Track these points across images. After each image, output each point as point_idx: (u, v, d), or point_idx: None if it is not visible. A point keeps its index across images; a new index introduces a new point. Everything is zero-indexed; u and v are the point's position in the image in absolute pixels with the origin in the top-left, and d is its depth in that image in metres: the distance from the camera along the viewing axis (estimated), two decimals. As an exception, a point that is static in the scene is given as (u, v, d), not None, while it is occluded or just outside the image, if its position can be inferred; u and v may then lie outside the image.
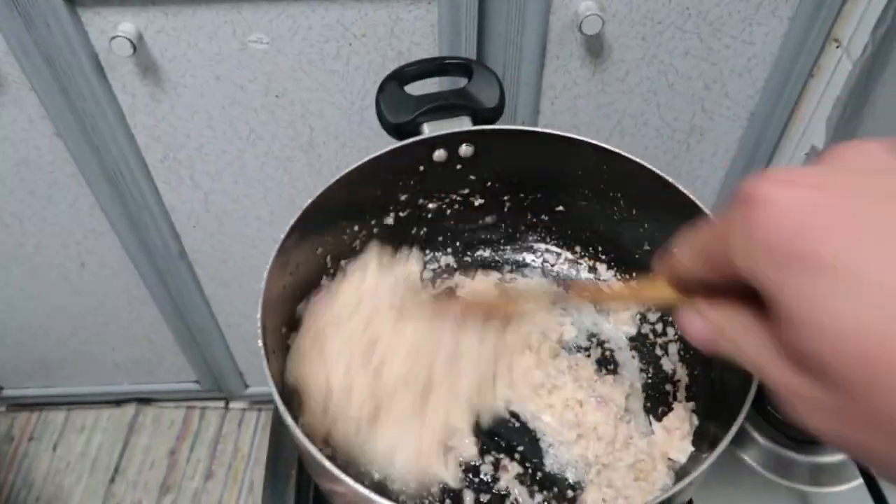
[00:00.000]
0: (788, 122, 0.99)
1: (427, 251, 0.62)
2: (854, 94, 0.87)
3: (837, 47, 0.89)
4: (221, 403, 1.59)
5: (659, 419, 0.52)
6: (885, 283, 0.20)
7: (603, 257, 0.61)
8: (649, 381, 0.56)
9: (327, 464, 0.38)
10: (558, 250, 0.63)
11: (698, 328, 0.30)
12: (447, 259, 0.63)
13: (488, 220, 0.62)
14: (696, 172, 1.07)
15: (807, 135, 0.98)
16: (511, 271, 0.63)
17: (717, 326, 0.29)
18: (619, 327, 0.59)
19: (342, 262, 0.57)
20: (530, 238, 0.63)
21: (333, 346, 0.53)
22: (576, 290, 0.45)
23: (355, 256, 0.58)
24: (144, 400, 1.57)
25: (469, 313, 0.49)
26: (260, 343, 0.43)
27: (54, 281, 1.18)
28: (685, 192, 0.49)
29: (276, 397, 0.40)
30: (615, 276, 0.61)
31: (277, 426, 0.59)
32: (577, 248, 0.62)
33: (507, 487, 0.50)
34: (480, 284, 0.61)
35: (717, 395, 0.49)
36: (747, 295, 0.26)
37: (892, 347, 0.20)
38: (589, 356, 0.57)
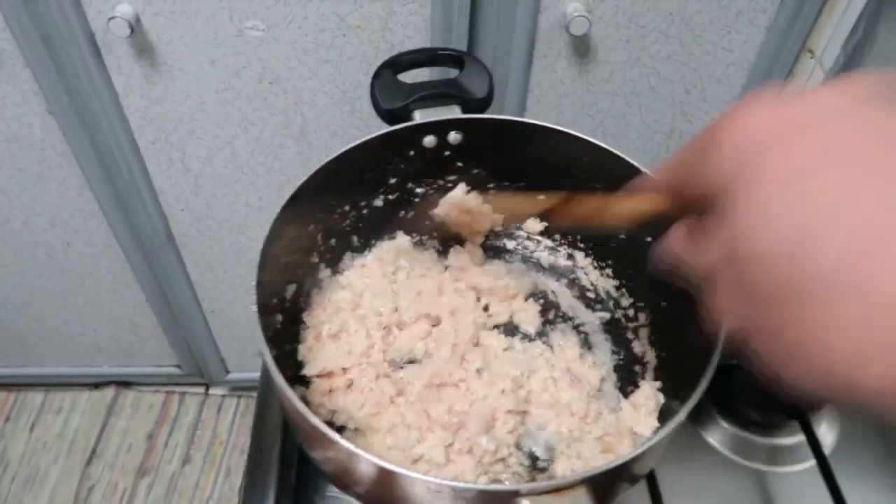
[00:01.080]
0: (764, 129, 1.02)
1: (413, 234, 0.65)
2: (826, 103, 0.91)
3: (811, 58, 0.93)
4: (201, 389, 1.60)
5: (627, 397, 0.55)
6: (812, 201, 0.23)
7: (581, 245, 0.64)
8: (620, 362, 0.59)
9: (316, 421, 0.40)
10: (539, 237, 0.65)
11: (680, 241, 0.33)
12: (432, 242, 0.65)
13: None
14: (674, 174, 1.11)
15: (781, 141, 1.01)
16: (492, 256, 0.66)
17: (685, 237, 0.32)
18: (594, 312, 0.62)
19: (339, 265, 0.61)
20: (512, 225, 0.66)
21: (350, 327, 0.56)
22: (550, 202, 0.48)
23: (347, 242, 0.61)
24: (124, 383, 1.58)
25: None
26: (254, 308, 0.45)
27: (39, 259, 1.19)
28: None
29: (268, 355, 0.42)
30: (592, 263, 0.63)
31: (264, 397, 0.61)
32: (557, 236, 0.65)
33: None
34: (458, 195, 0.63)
35: (681, 376, 0.52)
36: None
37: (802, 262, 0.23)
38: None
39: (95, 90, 0.91)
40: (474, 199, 0.61)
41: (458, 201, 0.60)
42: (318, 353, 0.54)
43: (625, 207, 0.39)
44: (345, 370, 0.53)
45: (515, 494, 0.38)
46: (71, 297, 1.29)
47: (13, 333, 1.38)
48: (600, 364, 0.58)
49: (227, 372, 1.51)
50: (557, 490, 0.38)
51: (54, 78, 0.89)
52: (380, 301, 0.57)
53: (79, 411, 1.55)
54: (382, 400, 0.53)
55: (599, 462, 0.50)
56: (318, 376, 0.53)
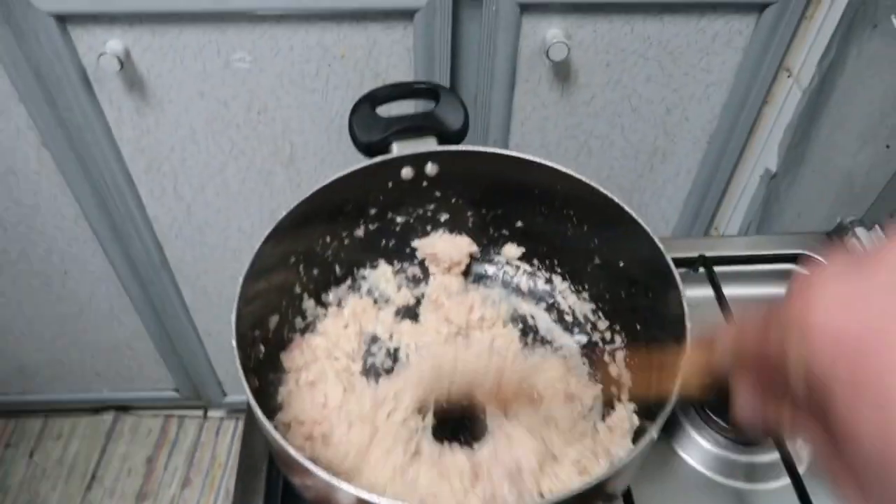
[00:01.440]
0: (745, 146, 1.04)
1: (395, 262, 0.66)
2: (803, 121, 0.93)
3: (788, 76, 0.95)
4: (199, 412, 1.61)
5: (603, 419, 0.56)
6: None
7: (558, 270, 0.65)
8: (596, 382, 0.60)
9: (294, 453, 0.41)
10: (518, 262, 0.67)
11: (749, 413, 0.32)
12: (413, 270, 0.67)
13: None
14: (660, 192, 1.13)
15: (762, 158, 1.03)
16: (474, 282, 0.67)
17: (776, 422, 0.30)
18: (572, 336, 0.63)
19: (321, 295, 0.62)
20: (492, 251, 0.67)
21: (330, 375, 0.57)
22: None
23: (330, 271, 0.62)
24: (123, 408, 1.59)
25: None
26: (234, 343, 0.47)
27: (37, 288, 1.21)
28: (629, 210, 0.54)
29: (246, 388, 0.44)
30: (569, 287, 0.65)
31: (250, 423, 0.62)
32: (535, 261, 0.66)
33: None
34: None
35: (654, 400, 0.53)
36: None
37: None
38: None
39: (88, 123, 0.93)
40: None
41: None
42: (294, 399, 0.56)
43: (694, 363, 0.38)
44: (318, 423, 0.54)
45: (484, 520, 0.39)
46: (69, 325, 1.31)
47: (13, 362, 1.40)
48: (592, 384, 0.59)
49: (225, 395, 1.52)
50: (526, 515, 0.39)
51: (48, 112, 0.92)
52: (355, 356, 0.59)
53: (78, 437, 1.56)
54: (361, 447, 0.54)
55: (576, 484, 0.51)
56: (293, 422, 0.54)
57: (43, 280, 1.19)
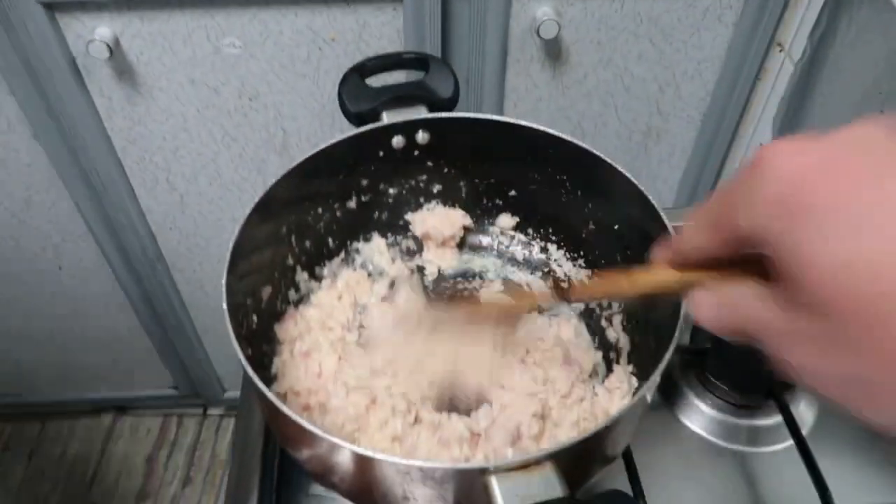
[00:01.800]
0: (739, 123, 1.04)
1: (388, 235, 0.66)
2: (796, 95, 0.93)
3: (780, 51, 0.95)
4: (199, 410, 1.60)
5: (602, 382, 0.56)
6: (872, 223, 0.22)
7: (553, 238, 0.65)
8: (596, 349, 0.59)
9: (293, 415, 0.40)
10: (512, 232, 0.66)
11: (710, 307, 0.31)
12: (407, 242, 0.66)
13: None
14: (655, 172, 1.12)
15: (756, 134, 1.03)
16: (470, 253, 0.67)
17: (730, 301, 0.29)
18: (569, 303, 0.63)
19: (315, 269, 0.62)
20: (486, 222, 0.67)
21: (324, 345, 0.56)
22: (574, 290, 0.47)
23: (323, 243, 0.62)
24: (121, 407, 1.58)
25: (474, 320, 0.53)
26: (224, 305, 0.46)
27: (32, 284, 1.20)
28: (622, 170, 0.54)
29: (241, 356, 0.43)
30: (564, 255, 0.64)
31: (245, 401, 0.61)
32: (530, 230, 0.66)
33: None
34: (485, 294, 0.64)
35: (652, 360, 0.52)
36: (750, 268, 0.28)
37: (878, 278, 0.21)
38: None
39: (79, 113, 0.93)
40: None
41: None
42: (289, 370, 0.55)
43: (647, 282, 0.36)
44: (313, 392, 0.54)
45: (483, 472, 0.38)
46: (65, 323, 1.30)
47: (9, 363, 1.39)
48: (594, 351, 0.59)
49: (224, 391, 1.51)
50: (525, 466, 0.39)
51: (38, 103, 0.91)
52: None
53: (77, 438, 1.55)
54: (359, 415, 0.53)
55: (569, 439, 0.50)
56: (288, 393, 0.54)
57: (37, 276, 1.18)
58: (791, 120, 0.95)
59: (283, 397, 0.54)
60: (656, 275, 0.35)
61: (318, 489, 0.56)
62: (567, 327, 0.59)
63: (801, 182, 0.24)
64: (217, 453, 1.56)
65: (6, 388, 1.47)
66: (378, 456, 0.38)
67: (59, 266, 1.17)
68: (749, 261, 0.29)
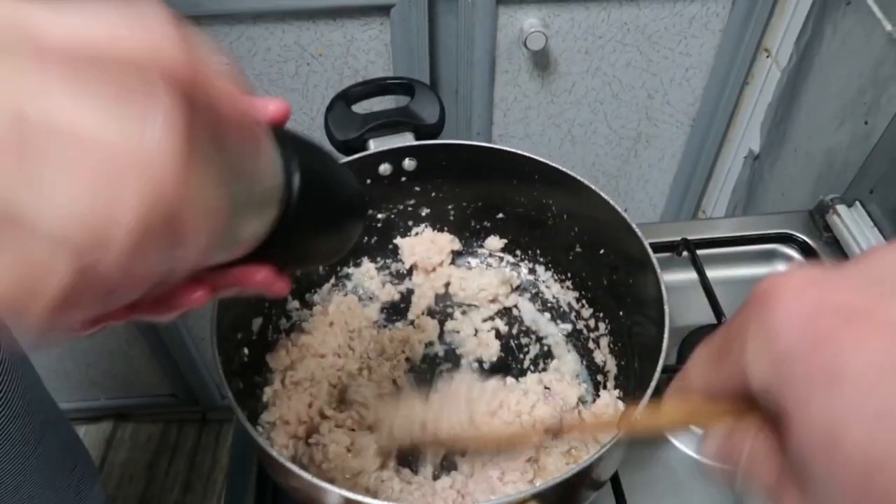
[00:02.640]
0: (728, 127, 1.04)
1: (378, 259, 0.66)
2: (783, 101, 0.93)
3: (767, 57, 0.95)
4: (198, 416, 1.61)
5: (588, 408, 0.57)
6: (879, 392, 0.19)
7: (541, 259, 0.66)
8: (581, 381, 0.60)
9: (275, 454, 0.41)
10: (500, 254, 0.67)
11: (713, 443, 0.27)
12: (397, 265, 0.67)
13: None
14: (645, 177, 1.13)
15: (745, 139, 1.03)
16: (460, 266, 0.67)
17: (730, 455, 0.26)
18: (557, 325, 0.63)
19: (306, 296, 0.62)
20: (475, 244, 0.67)
21: (317, 373, 0.57)
22: (577, 428, 0.46)
23: (315, 277, 0.62)
24: (121, 415, 1.59)
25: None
26: (214, 347, 0.47)
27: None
28: (603, 196, 0.54)
29: (229, 392, 0.44)
30: (553, 276, 0.65)
31: (239, 424, 0.62)
32: (518, 252, 0.66)
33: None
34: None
35: (638, 383, 0.53)
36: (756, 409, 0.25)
37: (878, 454, 0.19)
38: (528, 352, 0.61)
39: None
40: None
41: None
42: (281, 399, 0.56)
43: (664, 420, 0.33)
44: (302, 421, 0.54)
45: (468, 513, 0.39)
46: (62, 334, 1.30)
47: (8, 373, 1.40)
48: (578, 385, 0.59)
49: (223, 398, 1.52)
50: (510, 507, 0.40)
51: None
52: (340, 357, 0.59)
53: (78, 446, 1.56)
54: (350, 444, 0.54)
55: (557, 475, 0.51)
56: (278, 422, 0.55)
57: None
58: (778, 125, 0.95)
59: (273, 425, 0.55)
60: (667, 413, 0.32)
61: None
62: (552, 371, 0.60)
63: (823, 334, 0.20)
64: (217, 458, 1.57)
65: (6, 399, 1.47)
66: (357, 498, 0.39)
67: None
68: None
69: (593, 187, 0.55)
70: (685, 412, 0.30)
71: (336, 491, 0.40)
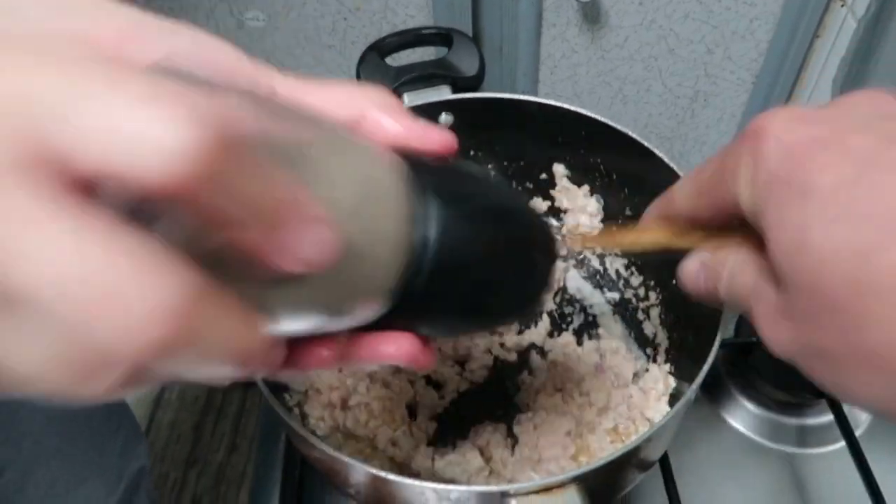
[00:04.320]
0: (795, 85, 0.97)
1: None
2: (858, 54, 0.85)
3: (842, 6, 0.87)
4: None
5: (636, 382, 0.52)
6: (865, 210, 0.22)
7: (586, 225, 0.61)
8: (636, 359, 0.56)
9: (306, 433, 0.39)
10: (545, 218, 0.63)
11: (691, 270, 0.31)
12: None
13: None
14: (701, 139, 1.06)
15: (813, 98, 0.96)
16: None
17: (713, 266, 0.29)
18: (603, 294, 0.59)
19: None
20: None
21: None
22: (567, 241, 0.45)
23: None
24: (168, 376, 1.62)
25: None
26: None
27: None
28: (660, 155, 0.49)
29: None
30: (599, 242, 0.61)
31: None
32: (562, 216, 0.62)
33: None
34: None
35: (692, 358, 0.49)
36: (739, 233, 0.28)
37: (868, 268, 0.22)
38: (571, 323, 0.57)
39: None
40: None
41: None
42: None
43: (638, 239, 0.35)
44: (334, 388, 0.52)
45: (503, 495, 0.36)
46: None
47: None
48: (634, 361, 0.55)
49: (265, 362, 1.53)
50: (547, 489, 0.36)
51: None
52: None
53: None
54: (384, 409, 0.51)
55: (606, 452, 0.47)
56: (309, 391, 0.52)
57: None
58: (853, 82, 0.87)
59: (305, 396, 0.52)
60: (648, 232, 0.34)
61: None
62: (609, 341, 0.55)
63: (802, 159, 0.24)
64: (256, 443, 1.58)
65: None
66: (390, 477, 0.36)
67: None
68: (740, 226, 0.28)
69: (648, 145, 0.50)
70: (669, 233, 0.32)
71: (361, 466, 0.38)
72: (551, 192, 0.60)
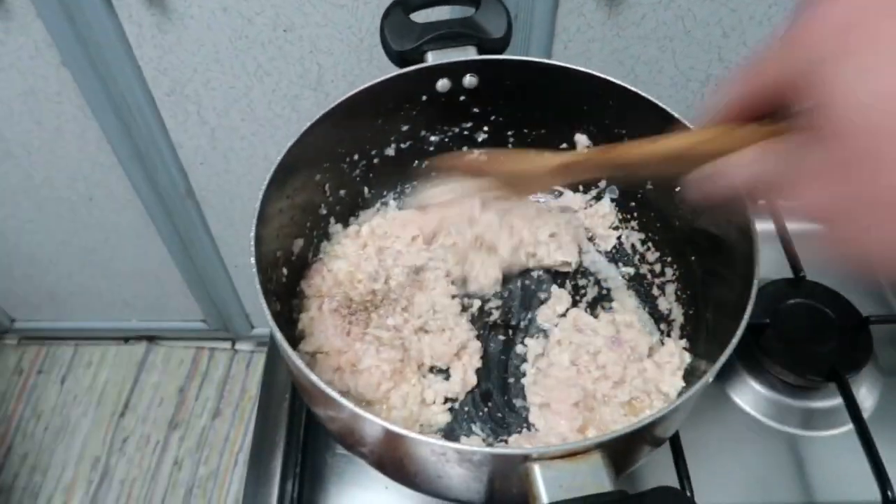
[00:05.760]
0: (807, 74, 0.96)
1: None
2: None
3: (863, -5, 0.86)
4: (228, 344, 1.61)
5: (650, 355, 0.52)
6: None
7: (606, 195, 0.60)
8: (651, 334, 0.55)
9: (316, 380, 0.38)
10: (560, 189, 0.62)
11: (701, 178, 0.33)
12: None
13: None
14: (709, 124, 1.05)
15: (825, 87, 0.95)
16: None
17: (725, 170, 0.32)
18: (618, 268, 0.59)
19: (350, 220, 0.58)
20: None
21: (355, 300, 0.53)
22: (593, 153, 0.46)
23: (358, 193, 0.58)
24: (152, 338, 1.60)
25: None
26: (252, 260, 0.43)
27: (62, 214, 1.19)
28: (689, 126, 0.48)
29: (267, 311, 0.40)
30: (617, 215, 0.60)
31: (273, 353, 0.59)
32: (581, 187, 0.61)
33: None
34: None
35: (709, 335, 0.48)
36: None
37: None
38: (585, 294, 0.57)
39: (108, 40, 0.89)
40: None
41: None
42: (318, 328, 0.52)
43: (677, 145, 0.35)
44: (343, 352, 0.51)
45: (525, 459, 0.35)
46: (96, 253, 1.29)
47: (42, 288, 1.40)
48: (649, 335, 0.55)
49: (252, 327, 1.51)
50: (571, 454, 0.36)
51: (66, 28, 0.87)
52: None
53: (108, 365, 1.58)
54: (394, 371, 0.50)
55: (620, 425, 0.47)
56: (318, 353, 0.51)
57: (68, 206, 1.17)
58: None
59: (313, 357, 0.51)
60: (669, 140, 0.35)
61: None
62: (624, 315, 0.55)
63: (861, 18, 0.26)
64: (247, 388, 1.57)
65: (40, 313, 1.48)
66: (413, 436, 0.36)
67: (89, 197, 1.16)
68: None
69: (678, 116, 0.49)
70: (691, 139, 0.34)
71: (381, 424, 0.37)
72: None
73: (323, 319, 0.52)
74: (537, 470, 0.35)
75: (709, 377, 0.39)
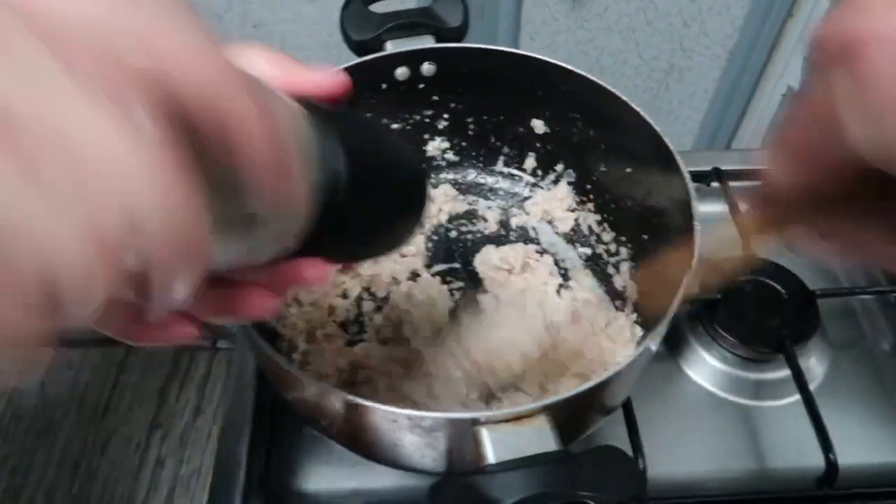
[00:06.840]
0: (767, 63, 0.99)
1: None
2: (830, 33, 0.87)
3: (816, -15, 0.89)
4: (209, 344, 1.61)
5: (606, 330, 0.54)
6: None
7: (563, 179, 0.62)
8: (611, 310, 0.57)
9: (277, 357, 0.39)
10: (519, 173, 0.64)
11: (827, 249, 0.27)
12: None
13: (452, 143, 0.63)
14: (674, 114, 1.08)
15: (785, 76, 0.98)
16: (475, 194, 0.64)
17: (847, 239, 0.26)
18: (575, 248, 0.60)
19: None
20: (494, 161, 0.64)
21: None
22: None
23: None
24: (133, 338, 1.60)
25: None
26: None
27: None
28: (637, 109, 0.50)
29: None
30: (573, 196, 0.62)
31: (242, 345, 0.61)
32: (539, 171, 0.63)
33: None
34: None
35: (658, 308, 0.50)
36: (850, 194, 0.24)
37: None
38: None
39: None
40: None
41: None
42: (313, 356, 0.53)
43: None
44: (342, 370, 0.52)
45: (474, 422, 0.37)
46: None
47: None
48: (607, 310, 0.56)
49: (233, 326, 1.52)
50: (517, 418, 0.37)
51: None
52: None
53: (89, 367, 1.58)
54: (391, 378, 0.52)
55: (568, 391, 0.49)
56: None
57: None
58: (822, 61, 0.90)
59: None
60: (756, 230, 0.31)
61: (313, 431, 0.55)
62: (581, 292, 0.57)
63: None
64: (228, 387, 1.58)
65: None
66: (364, 403, 0.37)
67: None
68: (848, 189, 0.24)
69: (626, 99, 0.51)
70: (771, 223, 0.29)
71: (335, 392, 0.38)
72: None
73: (316, 348, 0.54)
74: (485, 432, 0.36)
75: (650, 344, 0.41)
